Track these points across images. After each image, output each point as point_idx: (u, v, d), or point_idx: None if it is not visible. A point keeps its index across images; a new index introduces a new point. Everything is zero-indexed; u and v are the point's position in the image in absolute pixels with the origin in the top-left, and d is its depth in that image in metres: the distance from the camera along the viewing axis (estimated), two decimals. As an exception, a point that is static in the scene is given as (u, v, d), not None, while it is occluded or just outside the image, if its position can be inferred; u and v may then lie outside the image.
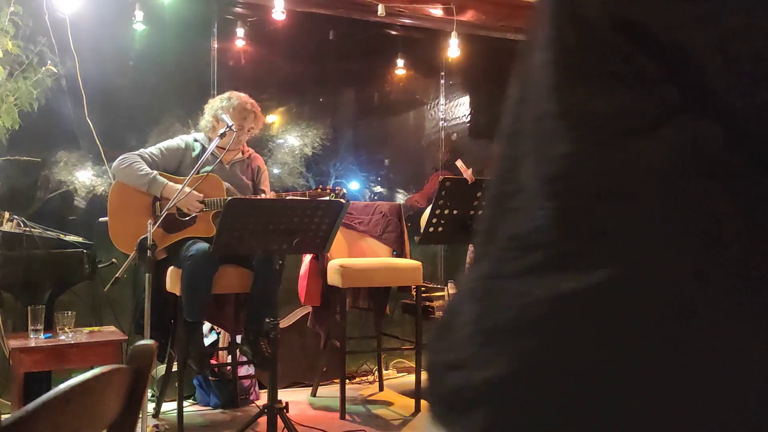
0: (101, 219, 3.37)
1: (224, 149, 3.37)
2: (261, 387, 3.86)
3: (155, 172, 3.22)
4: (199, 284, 3.09)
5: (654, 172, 0.43)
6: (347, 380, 3.95)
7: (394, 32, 4.65)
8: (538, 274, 0.45)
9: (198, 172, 3.09)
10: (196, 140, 3.44)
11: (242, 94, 3.46)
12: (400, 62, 4.69)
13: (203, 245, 3.11)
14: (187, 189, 3.04)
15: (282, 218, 2.68)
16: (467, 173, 4.05)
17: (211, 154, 3.20)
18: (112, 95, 3.89)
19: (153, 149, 3.35)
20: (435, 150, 4.83)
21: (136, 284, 3.47)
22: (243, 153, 3.53)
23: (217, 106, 3.43)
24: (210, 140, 3.42)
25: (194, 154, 3.39)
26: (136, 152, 3.30)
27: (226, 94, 3.47)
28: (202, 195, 3.18)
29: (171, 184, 3.21)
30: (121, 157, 3.27)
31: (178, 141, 3.43)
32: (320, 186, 3.33)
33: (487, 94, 5.08)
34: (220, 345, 3.74)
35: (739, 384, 0.40)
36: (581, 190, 0.45)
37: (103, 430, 0.89)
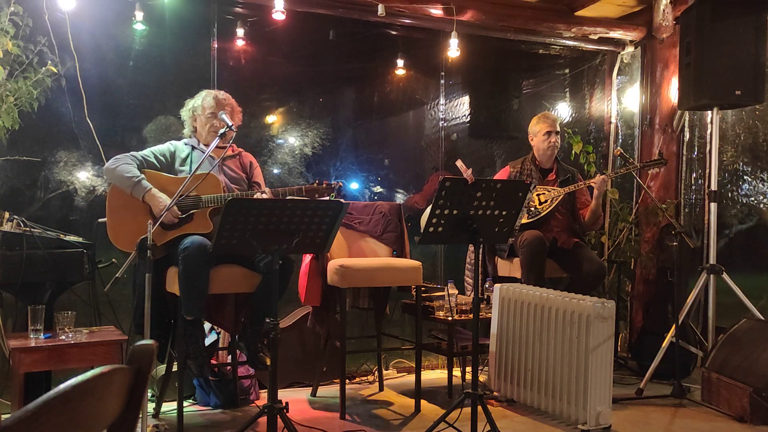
0: (100, 220, 3.38)
1: (222, 149, 3.39)
2: (261, 387, 3.86)
3: (141, 175, 3.22)
4: (196, 276, 3.08)
5: None
6: (347, 380, 3.95)
7: (394, 32, 4.64)
8: None
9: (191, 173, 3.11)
10: (186, 143, 3.46)
11: (212, 90, 3.51)
12: (400, 62, 4.68)
13: (197, 237, 3.12)
14: (171, 200, 3.09)
15: (282, 218, 2.68)
16: (467, 173, 4.06)
17: (202, 154, 3.22)
18: (112, 95, 3.90)
19: (146, 152, 3.37)
20: (435, 150, 4.83)
21: (136, 284, 3.47)
22: (233, 151, 3.54)
23: (190, 106, 3.48)
24: (199, 142, 3.45)
25: (183, 155, 3.40)
26: (129, 154, 3.31)
27: (197, 94, 3.49)
28: (180, 213, 3.19)
29: (154, 190, 3.19)
30: (113, 158, 3.27)
31: (168, 144, 3.46)
32: (317, 180, 3.34)
33: (487, 94, 5.08)
34: (220, 345, 3.75)
35: None
36: None
37: (103, 430, 0.89)
